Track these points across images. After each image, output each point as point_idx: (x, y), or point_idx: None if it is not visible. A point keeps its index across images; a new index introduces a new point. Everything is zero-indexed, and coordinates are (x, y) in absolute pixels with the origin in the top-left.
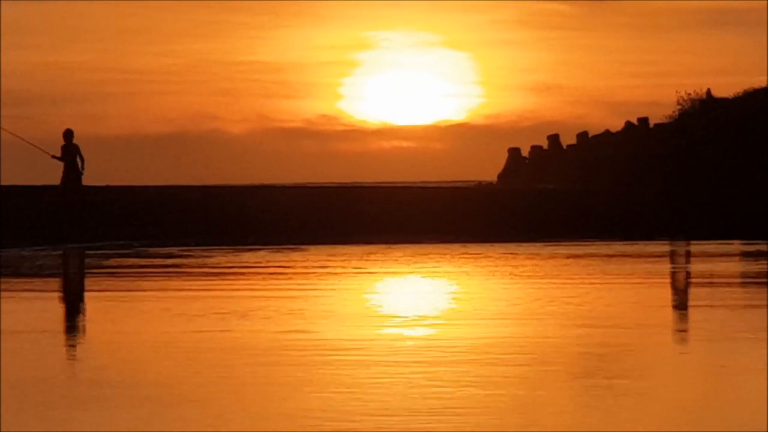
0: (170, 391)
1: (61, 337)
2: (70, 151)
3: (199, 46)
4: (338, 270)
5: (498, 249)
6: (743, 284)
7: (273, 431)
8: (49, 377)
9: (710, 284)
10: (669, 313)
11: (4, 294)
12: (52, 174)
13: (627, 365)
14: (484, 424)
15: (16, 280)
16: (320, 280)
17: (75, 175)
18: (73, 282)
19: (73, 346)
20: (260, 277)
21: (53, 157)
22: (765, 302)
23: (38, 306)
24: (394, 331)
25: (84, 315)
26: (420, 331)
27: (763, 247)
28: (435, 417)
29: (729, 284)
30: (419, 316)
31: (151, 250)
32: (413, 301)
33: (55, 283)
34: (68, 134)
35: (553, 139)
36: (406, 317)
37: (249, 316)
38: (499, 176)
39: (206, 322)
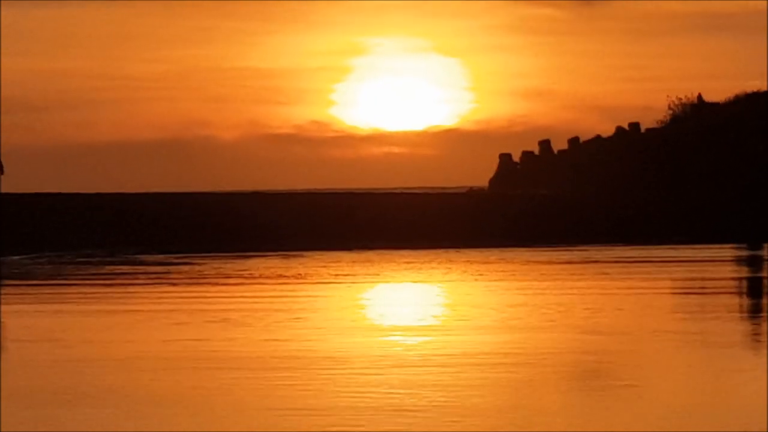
0: (162, 396)
1: (54, 347)
2: None
3: (191, 52)
4: (329, 277)
5: (491, 255)
6: (734, 292)
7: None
8: (46, 385)
9: (702, 292)
10: (661, 319)
11: None
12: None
13: (621, 370)
14: (481, 425)
15: (4, 287)
16: (312, 287)
17: None
18: (63, 290)
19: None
20: (251, 284)
21: None
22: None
23: (29, 315)
24: (391, 339)
25: (77, 324)
26: (416, 339)
27: (758, 253)
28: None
29: (721, 293)
30: (415, 325)
31: (138, 257)
32: (407, 310)
33: (46, 290)
34: None
35: (545, 144)
36: (402, 326)
37: (236, 323)
38: (491, 181)
39: (193, 330)
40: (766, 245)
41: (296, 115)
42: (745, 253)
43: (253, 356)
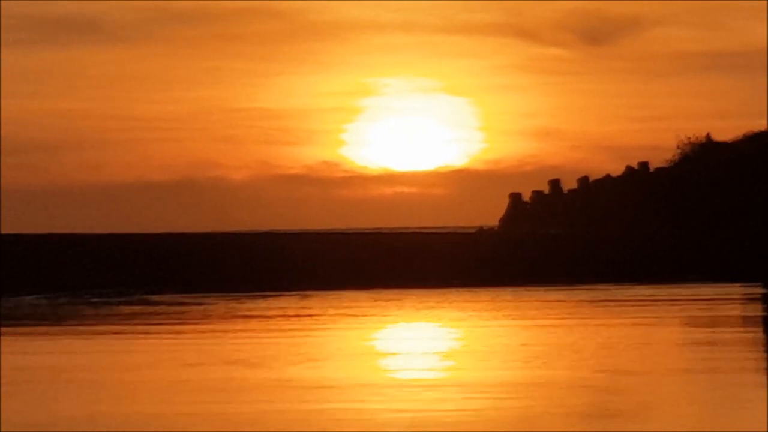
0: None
1: (70, 384)
2: None
3: (201, 93)
4: (340, 318)
5: (502, 294)
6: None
7: None
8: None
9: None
10: (673, 359)
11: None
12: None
13: (628, 407)
14: None
15: (20, 327)
16: (323, 326)
17: None
18: (74, 330)
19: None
20: (263, 324)
21: None
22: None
23: (45, 351)
24: (403, 377)
25: (92, 361)
26: (430, 395)
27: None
28: None
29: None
30: (431, 377)
31: (150, 297)
32: (420, 351)
33: (61, 331)
34: None
35: (554, 183)
36: (415, 370)
37: (250, 364)
38: (501, 221)
39: (204, 370)
40: None
41: (306, 155)
42: (761, 291)
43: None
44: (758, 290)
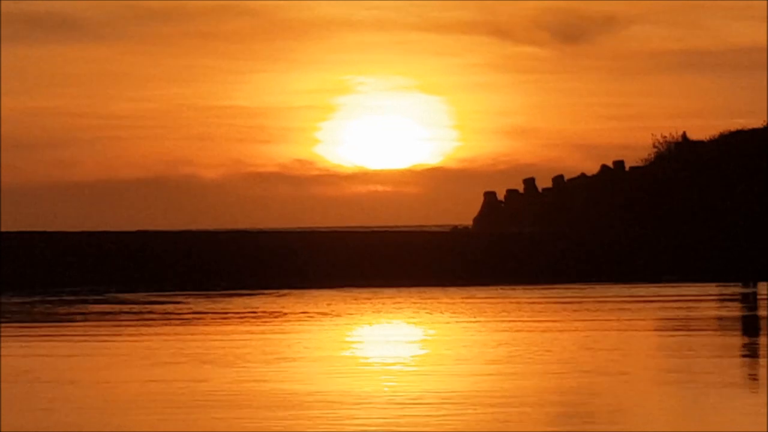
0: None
1: (32, 388)
2: None
3: (175, 90)
4: (311, 317)
5: (476, 293)
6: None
7: None
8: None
9: (690, 329)
10: (642, 360)
11: None
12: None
13: (599, 409)
14: None
15: None
16: (296, 326)
17: None
18: (45, 330)
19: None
20: (232, 323)
21: None
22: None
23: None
24: (372, 381)
25: (59, 361)
26: (403, 379)
27: (739, 289)
28: None
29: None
30: (402, 365)
31: (122, 296)
32: (390, 349)
33: (31, 329)
34: None
35: (529, 182)
36: (384, 365)
37: (218, 363)
38: (475, 220)
39: (173, 369)
40: (759, 283)
41: (280, 153)
42: (738, 290)
43: (234, 396)
44: (736, 290)
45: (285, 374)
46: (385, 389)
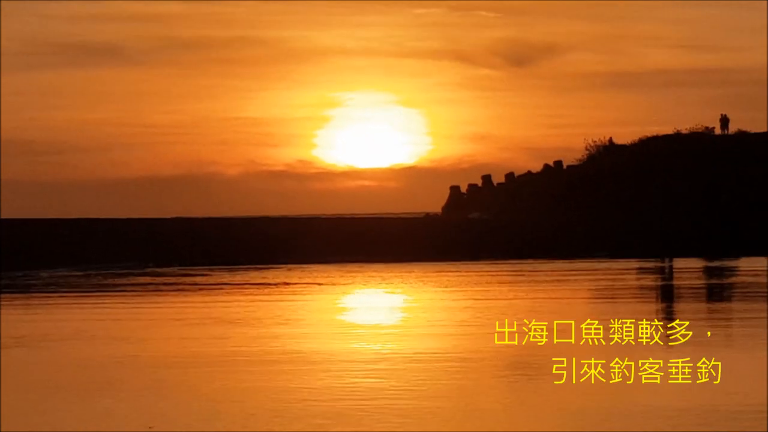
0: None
1: (83, 345)
2: None
3: (201, 105)
4: (312, 286)
5: (444, 268)
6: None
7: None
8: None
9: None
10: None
11: (37, 307)
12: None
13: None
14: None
15: (49, 295)
16: (299, 294)
17: None
18: (104, 297)
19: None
20: (249, 291)
21: None
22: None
23: (65, 316)
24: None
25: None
26: (377, 343)
27: (657, 264)
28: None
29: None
30: (379, 326)
31: (160, 270)
32: (375, 314)
33: (86, 298)
34: None
35: (486, 178)
36: (370, 328)
37: (238, 324)
38: (443, 208)
39: (202, 329)
40: (673, 259)
41: (285, 155)
42: (656, 264)
43: (246, 353)
44: (654, 264)
45: (291, 334)
46: (376, 348)
